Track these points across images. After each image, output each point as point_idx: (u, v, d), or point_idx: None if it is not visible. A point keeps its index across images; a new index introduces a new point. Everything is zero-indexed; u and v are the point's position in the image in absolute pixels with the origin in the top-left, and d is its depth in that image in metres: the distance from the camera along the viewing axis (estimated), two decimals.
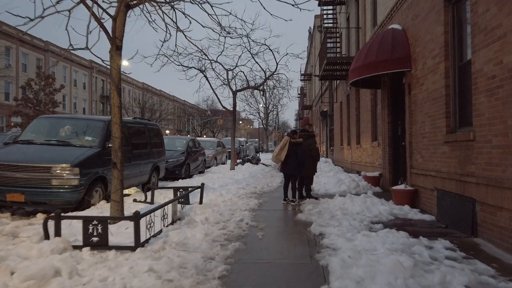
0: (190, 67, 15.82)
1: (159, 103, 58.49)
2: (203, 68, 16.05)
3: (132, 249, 4.22)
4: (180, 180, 12.41)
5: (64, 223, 4.45)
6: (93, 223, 4.31)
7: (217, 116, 61.55)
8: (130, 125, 9.29)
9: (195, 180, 12.46)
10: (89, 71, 48.84)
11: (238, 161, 21.59)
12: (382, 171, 9.96)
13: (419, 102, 7.21)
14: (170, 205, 5.76)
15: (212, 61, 16.13)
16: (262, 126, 51.43)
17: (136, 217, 4.34)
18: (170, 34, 7.41)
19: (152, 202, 7.54)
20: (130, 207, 7.08)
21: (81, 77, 47.56)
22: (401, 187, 7.42)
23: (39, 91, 29.48)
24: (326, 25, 16.87)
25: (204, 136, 64.09)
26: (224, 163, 22.26)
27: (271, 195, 9.60)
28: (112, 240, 4.46)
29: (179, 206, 6.56)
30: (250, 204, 7.88)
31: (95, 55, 5.95)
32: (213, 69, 16.79)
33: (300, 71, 41.60)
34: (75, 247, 4.22)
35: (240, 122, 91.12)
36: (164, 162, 11.36)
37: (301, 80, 42.55)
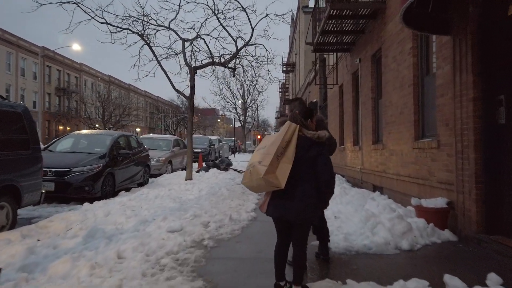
0: (123, 28, 10.51)
1: (124, 96, 52.08)
2: (143, 32, 10.76)
3: None
4: (86, 203, 7.17)
5: None
6: None
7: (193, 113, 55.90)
8: None
9: (116, 202, 7.29)
10: (41, 59, 42.40)
11: (204, 165, 16.52)
12: (456, 198, 5.02)
13: None
14: None
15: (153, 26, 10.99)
16: (240, 124, 46.13)
17: None
18: None
19: None
20: None
21: (30, 65, 41.18)
22: None
23: None
24: None
25: (180, 134, 58.34)
26: (185, 169, 16.99)
27: (233, 255, 4.48)
28: None
29: None
30: None
31: None
32: (168, 28, 10.87)
33: (282, 61, 36.57)
34: None
35: (219, 120, 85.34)
36: (37, 176, 6.09)
37: (282, 71, 37.55)
